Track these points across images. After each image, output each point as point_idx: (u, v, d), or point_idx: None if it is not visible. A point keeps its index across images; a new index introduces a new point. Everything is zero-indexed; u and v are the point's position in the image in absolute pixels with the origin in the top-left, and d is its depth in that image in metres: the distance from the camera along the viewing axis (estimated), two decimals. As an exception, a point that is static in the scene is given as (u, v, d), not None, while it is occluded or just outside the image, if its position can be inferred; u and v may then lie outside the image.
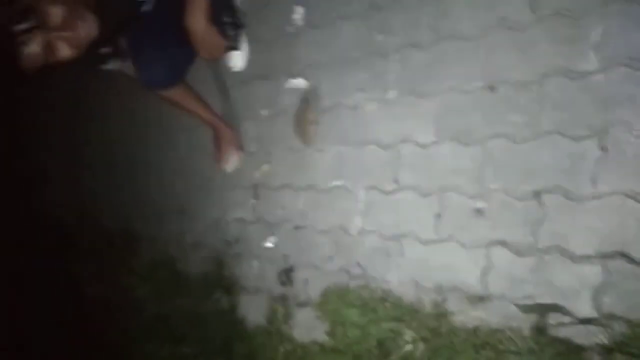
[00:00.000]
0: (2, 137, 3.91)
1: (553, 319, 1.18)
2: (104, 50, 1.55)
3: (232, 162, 1.93)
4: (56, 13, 1.15)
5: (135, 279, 2.56)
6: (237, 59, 1.93)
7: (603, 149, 1.10)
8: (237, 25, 1.86)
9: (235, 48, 1.90)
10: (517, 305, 1.24)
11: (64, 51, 1.18)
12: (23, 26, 1.12)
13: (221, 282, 2.09)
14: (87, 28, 1.23)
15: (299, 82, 1.73)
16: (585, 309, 1.13)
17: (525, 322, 1.22)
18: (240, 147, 1.94)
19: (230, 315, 2.04)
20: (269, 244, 1.86)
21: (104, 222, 2.91)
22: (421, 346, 1.41)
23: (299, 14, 1.75)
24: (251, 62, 1.93)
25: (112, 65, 1.64)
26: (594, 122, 1.11)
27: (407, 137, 1.45)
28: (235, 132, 1.93)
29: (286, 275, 1.81)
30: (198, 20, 1.43)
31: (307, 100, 1.69)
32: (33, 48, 1.17)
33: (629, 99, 1.07)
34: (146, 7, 1.52)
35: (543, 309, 1.20)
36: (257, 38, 1.90)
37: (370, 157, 1.54)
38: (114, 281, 2.74)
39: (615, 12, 1.08)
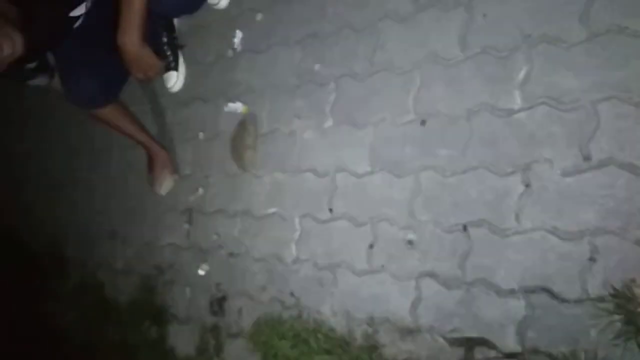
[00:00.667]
0: None
1: (480, 353, 1.19)
2: (30, 65, 1.48)
3: (165, 185, 1.86)
4: None
5: (60, 305, 2.42)
6: (175, 80, 1.87)
7: (526, 185, 1.13)
8: (176, 46, 1.82)
9: (173, 69, 1.85)
10: (445, 338, 1.24)
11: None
12: None
13: (151, 310, 1.99)
14: (12, 47, 1.17)
15: (237, 106, 1.70)
16: (510, 343, 1.14)
17: (453, 356, 1.22)
18: (174, 170, 1.88)
19: (160, 346, 1.95)
20: (201, 272, 1.80)
21: (29, 241, 2.73)
22: (352, 380, 1.39)
23: (238, 37, 1.73)
24: (189, 84, 1.89)
25: (39, 81, 1.56)
26: (518, 158, 1.14)
27: (342, 166, 1.45)
28: (169, 155, 1.87)
29: (218, 304, 1.75)
30: (131, 39, 1.38)
31: (244, 124, 1.66)
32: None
33: (550, 137, 1.10)
34: (78, 22, 1.46)
35: (470, 343, 1.20)
36: (196, 60, 1.87)
37: (306, 184, 1.53)
38: (37, 306, 2.57)
39: (539, 53, 1.13)
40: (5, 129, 3.00)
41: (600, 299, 0.99)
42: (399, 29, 1.35)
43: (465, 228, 1.22)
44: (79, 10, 1.41)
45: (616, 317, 0.97)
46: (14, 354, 2.61)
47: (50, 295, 2.52)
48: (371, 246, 1.38)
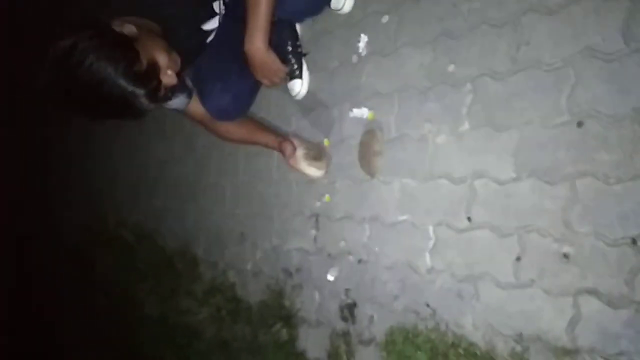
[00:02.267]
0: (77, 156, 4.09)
1: (653, 380, 1.06)
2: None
3: (312, 171, 1.74)
4: (162, 58, 1.20)
5: (193, 303, 2.58)
6: (300, 88, 1.89)
7: None
8: (300, 54, 1.84)
9: (297, 77, 1.87)
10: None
11: (168, 84, 1.24)
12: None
13: (281, 312, 2.05)
14: (177, 64, 1.25)
15: (363, 112, 1.68)
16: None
17: (620, 382, 1.11)
18: (316, 154, 1.76)
19: (290, 347, 1.99)
20: (330, 277, 1.81)
21: (164, 244, 2.95)
22: (498, 400, 1.31)
23: (362, 42, 1.70)
24: (313, 90, 1.90)
25: (178, 103, 1.62)
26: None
27: (482, 172, 1.36)
28: (299, 142, 1.76)
29: (349, 310, 1.75)
30: (257, 44, 1.41)
31: (372, 130, 1.63)
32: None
33: None
34: (211, 37, 1.52)
35: (642, 369, 1.08)
36: (320, 66, 1.87)
37: (440, 191, 1.46)
38: (173, 303, 2.77)
39: None
40: (140, 141, 3.25)
41: None
42: (548, 22, 1.23)
43: (634, 242, 1.09)
44: (212, 24, 1.46)
45: None
46: (156, 343, 2.86)
47: (184, 294, 2.69)
48: (518, 258, 1.28)
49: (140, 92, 1.11)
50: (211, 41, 1.53)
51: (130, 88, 1.09)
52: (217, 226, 2.47)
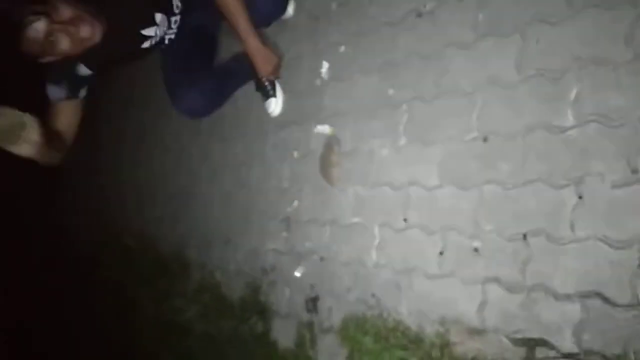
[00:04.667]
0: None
1: (540, 353, 1.28)
2: (82, 71, 1.56)
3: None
4: (65, 10, 1.29)
5: (184, 302, 2.82)
6: (275, 106, 2.16)
7: (579, 196, 1.21)
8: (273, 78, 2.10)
9: (272, 96, 2.13)
10: (509, 338, 1.34)
11: (64, 44, 1.30)
12: (32, 9, 1.23)
13: (257, 307, 2.29)
14: (90, 32, 1.36)
15: (324, 128, 1.93)
16: (567, 344, 1.22)
17: (516, 355, 1.32)
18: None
19: (265, 338, 2.23)
20: (297, 274, 2.04)
21: (161, 248, 3.21)
22: (426, 374, 1.53)
23: (324, 68, 1.96)
24: (285, 109, 2.16)
25: (58, 93, 1.54)
26: (571, 171, 1.22)
27: (414, 181, 1.60)
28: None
29: (312, 303, 1.98)
30: (254, 44, 1.73)
31: (330, 144, 1.89)
32: (35, 32, 1.26)
33: (600, 151, 1.17)
34: (148, 44, 1.73)
35: (531, 343, 1.30)
36: (290, 88, 2.13)
37: (384, 197, 1.70)
38: (167, 302, 3.02)
39: (588, 74, 1.20)
40: (141, 156, 3.54)
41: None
42: (462, 55, 1.48)
43: (525, 237, 1.32)
44: (151, 32, 1.68)
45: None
46: (153, 341, 3.10)
47: (176, 294, 2.94)
48: (441, 253, 1.52)
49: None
50: (174, 49, 1.81)
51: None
52: (206, 231, 2.73)
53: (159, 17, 1.67)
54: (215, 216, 2.68)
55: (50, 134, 1.30)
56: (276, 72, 1.93)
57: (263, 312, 2.25)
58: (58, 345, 4.09)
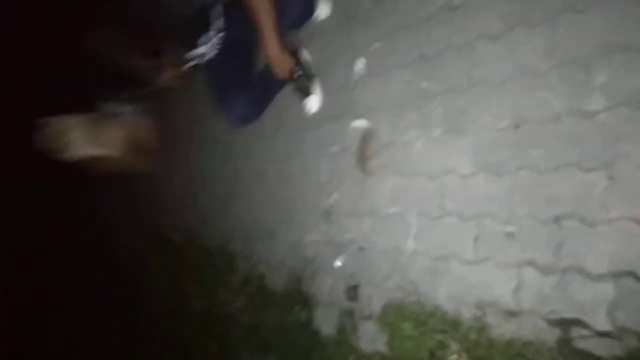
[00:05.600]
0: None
1: (575, 332, 1.31)
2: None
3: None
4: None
5: (230, 293, 2.95)
6: (313, 103, 2.25)
7: (610, 178, 1.24)
8: (309, 76, 2.19)
9: (310, 94, 2.23)
10: (544, 319, 1.38)
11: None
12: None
13: (301, 296, 2.38)
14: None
15: (361, 123, 2.01)
16: (601, 323, 1.25)
17: (551, 335, 1.36)
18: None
19: (308, 327, 2.32)
20: (338, 263, 2.13)
21: (206, 242, 3.36)
22: (464, 356, 1.58)
23: (360, 64, 2.04)
24: (323, 106, 2.25)
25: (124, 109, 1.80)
26: (602, 155, 1.26)
27: (449, 169, 1.66)
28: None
29: (353, 291, 2.06)
30: (274, 49, 1.81)
31: (367, 138, 1.96)
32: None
33: (630, 134, 1.20)
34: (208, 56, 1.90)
35: (566, 323, 1.34)
36: (327, 86, 2.22)
37: (420, 186, 1.76)
38: (213, 295, 3.16)
39: (616, 60, 1.23)
40: (189, 157, 3.71)
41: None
42: (492, 46, 1.53)
43: (558, 220, 1.35)
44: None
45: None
46: (202, 333, 3.25)
47: (223, 286, 3.08)
48: (476, 239, 1.57)
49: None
50: (218, 64, 1.94)
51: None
52: (250, 225, 2.85)
53: (202, 39, 1.83)
54: (259, 211, 2.80)
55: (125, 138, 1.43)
56: (290, 74, 2.00)
57: (306, 301, 2.34)
58: (113, 335, 4.33)
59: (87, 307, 4.79)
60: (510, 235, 1.47)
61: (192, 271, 3.48)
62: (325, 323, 2.22)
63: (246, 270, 2.87)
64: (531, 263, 1.42)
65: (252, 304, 2.80)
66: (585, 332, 1.29)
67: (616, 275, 1.22)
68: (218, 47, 1.91)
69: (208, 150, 3.38)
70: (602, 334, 1.25)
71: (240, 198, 2.98)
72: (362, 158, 1.97)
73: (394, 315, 1.85)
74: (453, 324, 1.63)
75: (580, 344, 1.29)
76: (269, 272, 2.67)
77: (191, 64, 1.81)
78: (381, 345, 1.89)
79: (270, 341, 2.61)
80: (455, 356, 1.61)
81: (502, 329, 1.49)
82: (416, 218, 1.78)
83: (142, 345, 4.06)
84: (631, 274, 1.19)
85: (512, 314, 1.47)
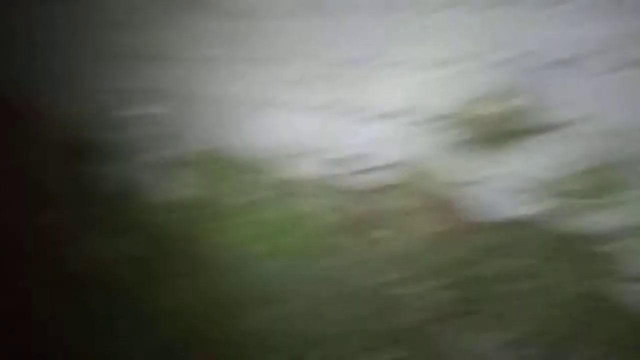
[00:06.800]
0: None
1: (356, 166, 1.41)
2: None
3: None
4: None
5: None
6: None
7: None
8: None
9: None
10: (325, 160, 1.46)
11: None
12: None
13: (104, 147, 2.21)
14: None
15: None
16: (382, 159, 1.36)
17: (331, 173, 1.44)
18: None
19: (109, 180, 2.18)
20: (153, 111, 2.01)
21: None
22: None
23: None
24: None
25: None
26: None
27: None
28: None
29: (168, 139, 1.96)
30: None
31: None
32: None
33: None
34: None
35: (348, 161, 1.42)
36: None
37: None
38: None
39: None
40: None
41: None
42: None
43: (345, 64, 1.41)
44: None
45: None
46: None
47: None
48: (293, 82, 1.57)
49: None
50: None
51: None
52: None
53: None
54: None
55: None
56: None
57: (110, 153, 2.18)
58: None
59: None
60: (299, 82, 1.51)
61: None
62: (139, 172, 2.11)
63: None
64: (329, 106, 1.47)
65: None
66: (365, 167, 1.39)
67: (395, 114, 1.33)
68: None
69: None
70: (383, 167, 1.36)
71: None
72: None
73: (209, 162, 1.82)
74: (263, 167, 1.65)
75: (359, 179, 1.40)
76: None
77: None
78: (195, 191, 1.86)
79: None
80: (265, 195, 1.64)
81: (290, 172, 1.54)
82: (233, 62, 1.73)
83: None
84: (405, 113, 1.30)
85: (298, 155, 1.53)
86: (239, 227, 1.67)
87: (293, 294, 1.45)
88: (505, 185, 1.17)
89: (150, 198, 1.98)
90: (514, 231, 1.16)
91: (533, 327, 1.02)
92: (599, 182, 1.12)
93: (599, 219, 1.07)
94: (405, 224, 1.29)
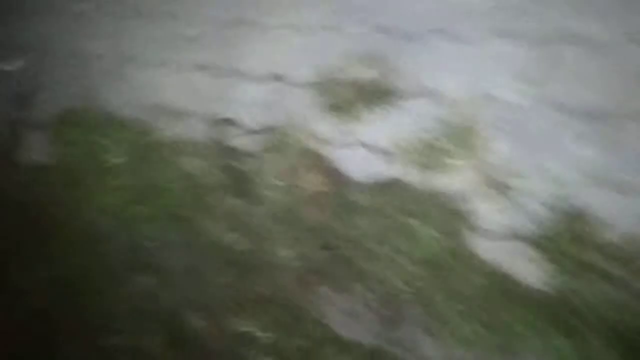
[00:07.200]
0: None
1: (229, 131, 1.42)
2: None
3: None
4: None
5: None
6: None
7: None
8: None
9: None
10: (204, 121, 1.45)
11: None
12: None
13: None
14: None
15: None
16: (250, 122, 1.38)
17: (209, 135, 1.44)
18: None
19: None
20: (7, 68, 1.84)
21: None
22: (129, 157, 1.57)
23: None
24: None
25: None
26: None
27: None
28: None
29: (24, 99, 1.81)
30: None
31: None
32: None
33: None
34: None
35: (222, 124, 1.43)
36: None
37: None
38: None
39: None
40: None
41: None
42: None
43: (233, 25, 1.39)
44: None
45: None
46: None
47: None
48: (155, 40, 1.51)
49: None
50: None
51: None
52: None
53: None
54: None
55: None
56: None
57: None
58: None
59: None
60: (191, 39, 1.47)
61: None
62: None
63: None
64: (203, 67, 1.45)
65: None
66: (238, 130, 1.40)
67: (268, 78, 1.34)
68: None
69: None
70: (252, 132, 1.38)
71: None
72: None
73: (67, 124, 1.71)
74: (124, 128, 1.59)
75: (234, 142, 1.41)
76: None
77: None
78: (49, 156, 1.75)
79: None
80: (121, 160, 1.58)
81: (170, 132, 1.51)
82: (102, 17, 1.63)
83: None
84: (280, 77, 1.32)
85: (179, 115, 1.50)
86: (116, 189, 1.62)
87: (170, 259, 1.45)
88: (369, 149, 1.24)
89: (15, 160, 1.84)
90: (380, 191, 1.23)
91: (397, 283, 1.12)
92: (455, 145, 1.21)
93: (456, 180, 1.17)
94: (281, 185, 1.32)
